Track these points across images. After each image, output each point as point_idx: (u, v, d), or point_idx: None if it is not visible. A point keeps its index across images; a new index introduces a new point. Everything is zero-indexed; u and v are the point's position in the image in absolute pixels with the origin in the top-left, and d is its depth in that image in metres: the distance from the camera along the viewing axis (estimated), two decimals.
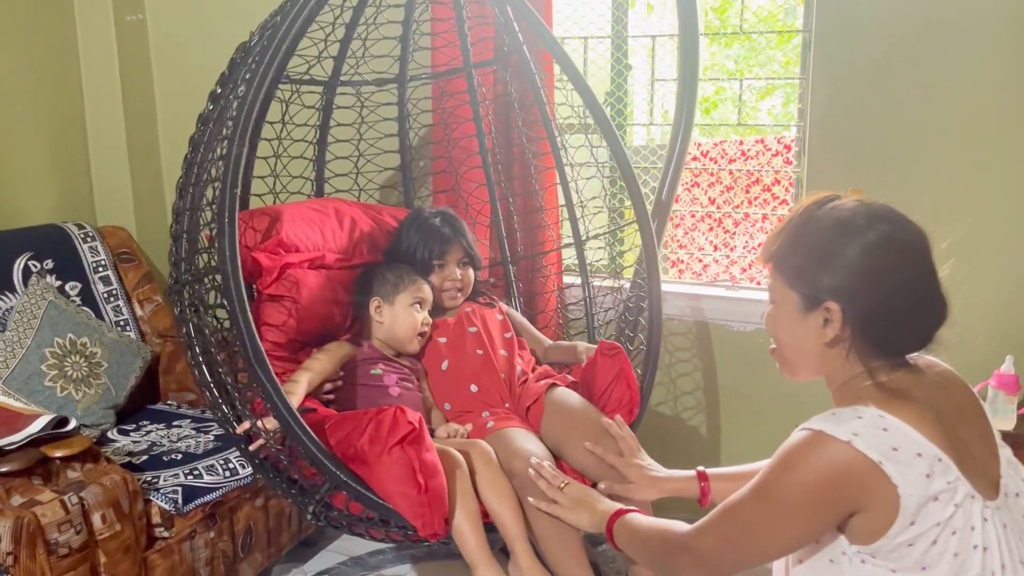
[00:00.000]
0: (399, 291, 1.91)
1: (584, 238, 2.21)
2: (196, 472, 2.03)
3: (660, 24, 2.40)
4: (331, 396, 1.84)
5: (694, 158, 3.02)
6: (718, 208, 2.70)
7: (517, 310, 2.25)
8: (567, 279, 2.38)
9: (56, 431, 1.79)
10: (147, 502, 1.91)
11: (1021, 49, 1.93)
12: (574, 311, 2.28)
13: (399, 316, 1.90)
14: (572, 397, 1.81)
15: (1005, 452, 1.17)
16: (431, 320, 1.95)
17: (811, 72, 2.11)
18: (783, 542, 1.13)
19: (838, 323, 1.14)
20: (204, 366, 1.69)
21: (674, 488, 1.55)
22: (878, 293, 1.13)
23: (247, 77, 1.56)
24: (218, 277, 1.51)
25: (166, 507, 1.91)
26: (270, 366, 1.49)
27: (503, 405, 1.86)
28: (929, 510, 1.06)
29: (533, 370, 1.96)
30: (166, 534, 1.94)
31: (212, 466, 2.06)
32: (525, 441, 1.69)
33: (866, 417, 1.08)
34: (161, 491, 1.93)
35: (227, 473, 2.07)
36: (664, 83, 2.40)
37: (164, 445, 2.16)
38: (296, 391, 1.68)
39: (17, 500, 1.66)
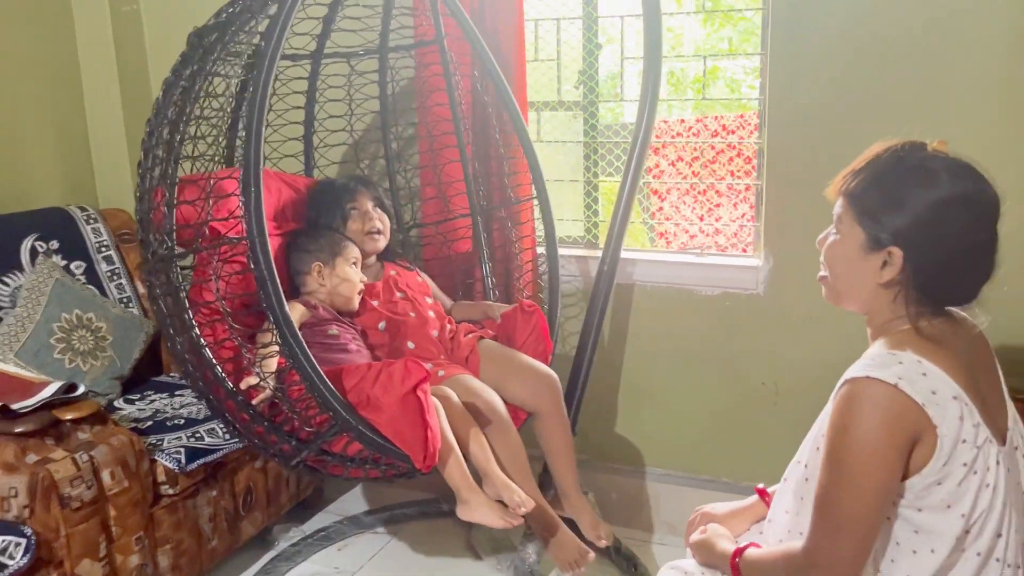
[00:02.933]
0: (338, 254, 2.11)
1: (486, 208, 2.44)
2: (198, 435, 2.17)
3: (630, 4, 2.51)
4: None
5: (676, 134, 3.14)
6: (685, 179, 2.83)
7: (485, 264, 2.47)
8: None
9: (66, 396, 1.93)
10: (152, 462, 2.05)
11: (981, 15, 2.02)
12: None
13: (344, 277, 2.10)
14: (499, 347, 2.15)
15: (1011, 408, 1.25)
16: (366, 279, 2.15)
17: (769, 48, 2.22)
18: (876, 496, 1.13)
19: (897, 268, 1.18)
20: (183, 337, 1.84)
21: (755, 514, 1.53)
22: (942, 248, 1.16)
23: (249, 58, 1.77)
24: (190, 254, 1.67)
25: (170, 466, 2.06)
26: (297, 328, 1.67)
27: (439, 358, 2.11)
28: (959, 451, 1.13)
29: (453, 325, 2.24)
30: (171, 491, 2.08)
31: (212, 429, 2.20)
32: (477, 385, 2.01)
33: (906, 362, 1.14)
34: (165, 451, 2.07)
35: (227, 436, 2.20)
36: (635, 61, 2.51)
37: (167, 412, 2.30)
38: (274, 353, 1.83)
39: (32, 458, 1.80)
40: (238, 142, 2.13)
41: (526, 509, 1.82)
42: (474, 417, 1.93)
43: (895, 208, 1.17)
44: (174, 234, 1.80)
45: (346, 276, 2.11)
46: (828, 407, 1.25)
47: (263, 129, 1.66)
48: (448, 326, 2.22)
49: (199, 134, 1.87)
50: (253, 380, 1.79)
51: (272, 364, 1.83)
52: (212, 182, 1.83)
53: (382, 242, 2.24)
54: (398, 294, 2.21)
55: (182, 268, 1.86)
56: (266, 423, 1.84)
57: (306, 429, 1.80)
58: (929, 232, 1.16)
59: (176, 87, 1.89)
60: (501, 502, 1.84)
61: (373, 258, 2.29)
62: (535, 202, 2.38)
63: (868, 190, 1.21)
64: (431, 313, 2.20)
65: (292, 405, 1.78)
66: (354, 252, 2.14)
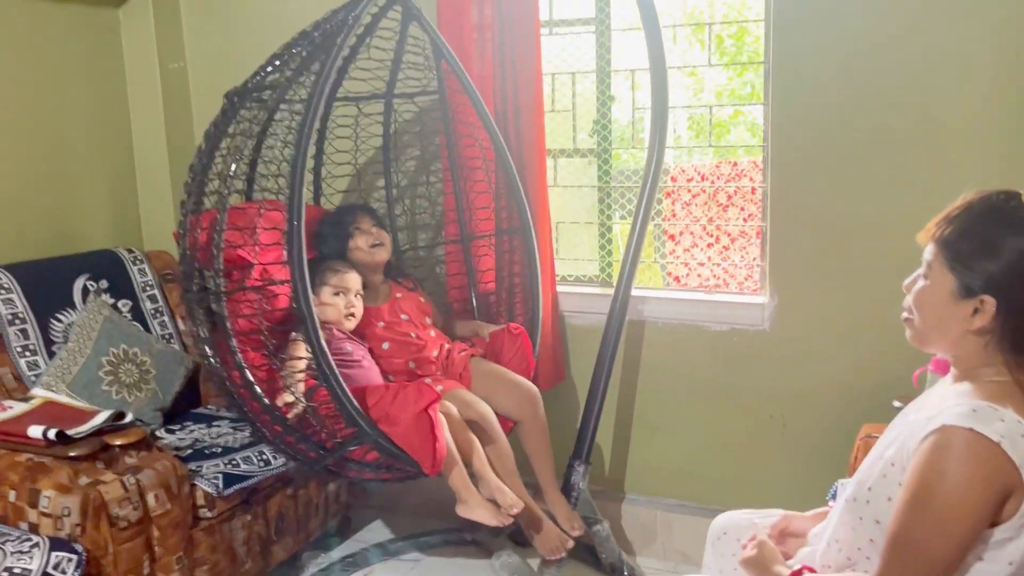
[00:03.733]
0: (324, 283, 2.33)
1: (471, 237, 2.65)
2: (234, 462, 2.31)
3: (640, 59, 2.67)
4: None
5: (690, 179, 3.28)
6: (696, 222, 2.95)
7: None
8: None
9: (115, 424, 2.09)
10: (192, 486, 2.19)
11: (968, 66, 2.14)
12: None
13: (325, 305, 2.31)
14: (488, 364, 2.43)
15: None
16: (356, 304, 2.35)
17: (771, 97, 2.37)
18: (961, 544, 1.14)
19: (988, 316, 1.18)
20: (222, 360, 2.10)
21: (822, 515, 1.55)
22: None
23: (300, 102, 2.05)
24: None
25: (209, 490, 2.20)
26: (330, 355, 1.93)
27: (436, 374, 2.37)
28: None
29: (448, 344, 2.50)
30: (209, 514, 2.22)
31: (248, 457, 2.35)
32: (471, 398, 2.30)
33: (1007, 420, 1.14)
34: (204, 477, 2.22)
35: (261, 463, 2.35)
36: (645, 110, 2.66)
37: (206, 441, 2.45)
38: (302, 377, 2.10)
39: (84, 480, 1.95)
40: (268, 182, 2.38)
41: (516, 510, 2.12)
42: (469, 426, 2.23)
43: (988, 256, 1.18)
44: (221, 273, 2.02)
45: (329, 302, 2.32)
46: (896, 436, 1.27)
47: (303, 177, 1.92)
48: (445, 345, 2.47)
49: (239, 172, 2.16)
50: (288, 398, 2.05)
51: (301, 385, 2.06)
52: (259, 213, 2.13)
53: (384, 253, 2.48)
54: (402, 316, 2.47)
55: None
56: (297, 434, 2.08)
57: (333, 440, 2.04)
58: (1022, 281, 1.17)
59: (217, 137, 2.14)
60: (494, 501, 2.13)
61: (380, 277, 2.51)
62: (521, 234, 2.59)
63: (961, 237, 1.21)
64: (432, 333, 2.48)
65: (322, 420, 2.04)
66: (341, 282, 2.35)
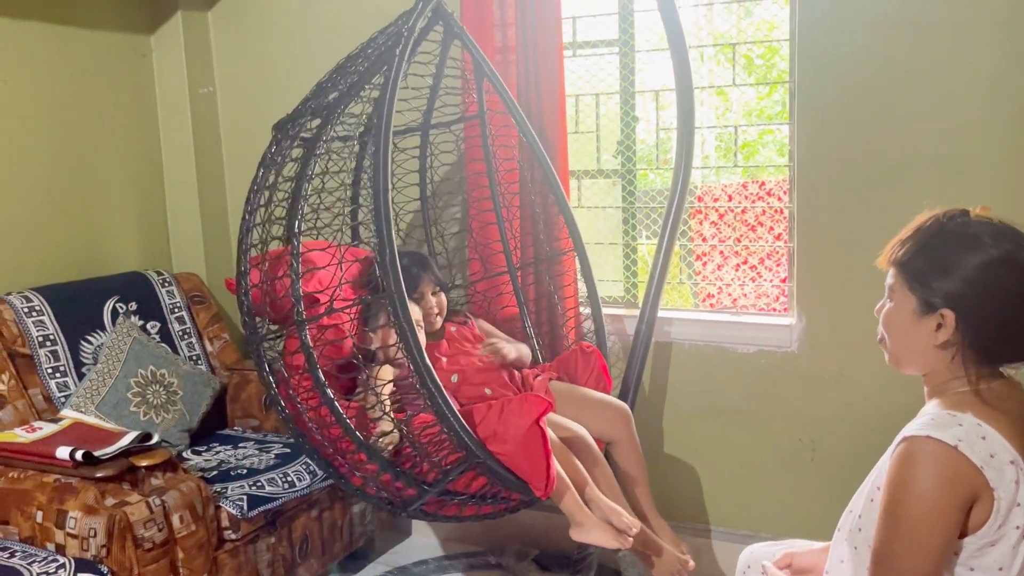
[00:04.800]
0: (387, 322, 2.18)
1: (518, 265, 2.58)
2: (259, 484, 2.32)
3: (665, 78, 2.67)
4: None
5: (716, 199, 3.26)
6: (722, 243, 2.93)
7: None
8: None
9: (142, 444, 2.11)
10: (217, 508, 2.20)
11: (990, 85, 2.12)
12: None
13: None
14: (569, 386, 2.32)
15: None
16: (420, 334, 2.19)
17: (796, 116, 2.35)
18: (934, 552, 1.16)
19: (950, 329, 1.23)
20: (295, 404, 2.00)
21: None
22: (992, 307, 1.21)
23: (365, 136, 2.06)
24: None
25: (233, 512, 2.20)
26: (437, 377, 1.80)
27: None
28: (1013, 514, 1.17)
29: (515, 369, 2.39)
30: (233, 536, 2.22)
31: (273, 479, 2.35)
32: (563, 420, 2.16)
33: (966, 424, 1.18)
34: (229, 499, 2.22)
35: (286, 485, 2.35)
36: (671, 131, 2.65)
37: (231, 463, 2.45)
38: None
39: (110, 501, 1.96)
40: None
41: (636, 530, 1.97)
42: (566, 444, 2.08)
43: (942, 272, 1.23)
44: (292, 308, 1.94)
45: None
46: (883, 462, 1.29)
47: (389, 201, 1.79)
48: (514, 372, 2.35)
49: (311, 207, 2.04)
50: (387, 426, 1.94)
51: (387, 424, 1.95)
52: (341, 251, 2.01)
53: (440, 321, 2.39)
54: (462, 346, 2.37)
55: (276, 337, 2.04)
56: (395, 470, 1.93)
57: (435, 470, 1.90)
58: (978, 292, 1.21)
59: (269, 172, 2.07)
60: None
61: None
62: (575, 256, 2.52)
63: (915, 257, 1.27)
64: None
65: (424, 447, 1.90)
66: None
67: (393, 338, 2.19)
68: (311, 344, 1.89)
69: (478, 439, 1.85)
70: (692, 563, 2.13)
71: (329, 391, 1.91)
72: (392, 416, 1.94)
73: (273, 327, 2.09)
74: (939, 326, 1.24)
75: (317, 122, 2.08)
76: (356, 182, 2.49)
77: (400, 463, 1.96)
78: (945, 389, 1.27)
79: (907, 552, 1.17)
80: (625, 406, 2.29)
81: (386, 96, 1.82)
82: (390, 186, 1.79)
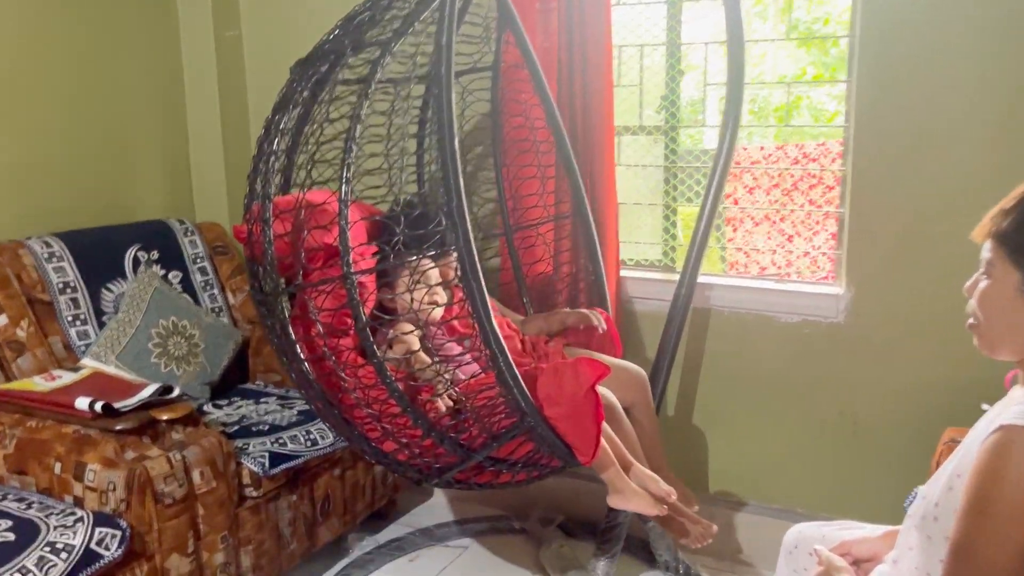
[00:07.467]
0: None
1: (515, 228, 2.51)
2: (281, 441, 2.25)
3: (713, 30, 2.53)
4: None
5: (754, 161, 3.13)
6: (768, 206, 2.81)
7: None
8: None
9: (162, 397, 2.04)
10: (238, 465, 2.14)
11: None
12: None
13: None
14: (585, 351, 2.23)
15: None
16: (440, 292, 2.13)
17: (856, 74, 2.21)
18: (1019, 548, 1.08)
19: None
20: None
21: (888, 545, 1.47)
22: None
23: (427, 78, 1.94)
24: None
25: (255, 469, 2.14)
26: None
27: (531, 365, 2.10)
28: None
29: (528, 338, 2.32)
30: (254, 493, 2.17)
31: (295, 436, 2.29)
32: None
33: None
34: (250, 455, 2.16)
35: (308, 443, 2.29)
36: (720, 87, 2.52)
37: (253, 418, 2.39)
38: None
39: (130, 455, 1.90)
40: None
41: (674, 496, 1.93)
42: None
43: None
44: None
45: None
46: (965, 448, 1.20)
47: (456, 148, 1.64)
48: (524, 336, 2.29)
49: (320, 158, 1.91)
50: (440, 389, 1.85)
51: (441, 387, 1.88)
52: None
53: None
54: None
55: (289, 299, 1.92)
56: (438, 435, 1.84)
57: (484, 435, 1.82)
58: None
59: (289, 114, 1.94)
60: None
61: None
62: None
63: (1020, 228, 1.14)
64: (508, 327, 2.28)
65: (476, 411, 1.82)
66: (427, 279, 2.09)
67: (439, 296, 2.11)
68: (358, 300, 1.77)
69: (536, 404, 1.77)
70: (715, 528, 2.09)
71: (379, 351, 1.81)
72: (448, 379, 1.86)
73: (296, 283, 1.95)
74: None
75: (355, 60, 1.94)
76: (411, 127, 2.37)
77: (447, 428, 1.87)
78: None
79: (991, 547, 1.07)
80: (641, 371, 2.23)
81: (443, 37, 1.68)
82: (456, 133, 1.65)
